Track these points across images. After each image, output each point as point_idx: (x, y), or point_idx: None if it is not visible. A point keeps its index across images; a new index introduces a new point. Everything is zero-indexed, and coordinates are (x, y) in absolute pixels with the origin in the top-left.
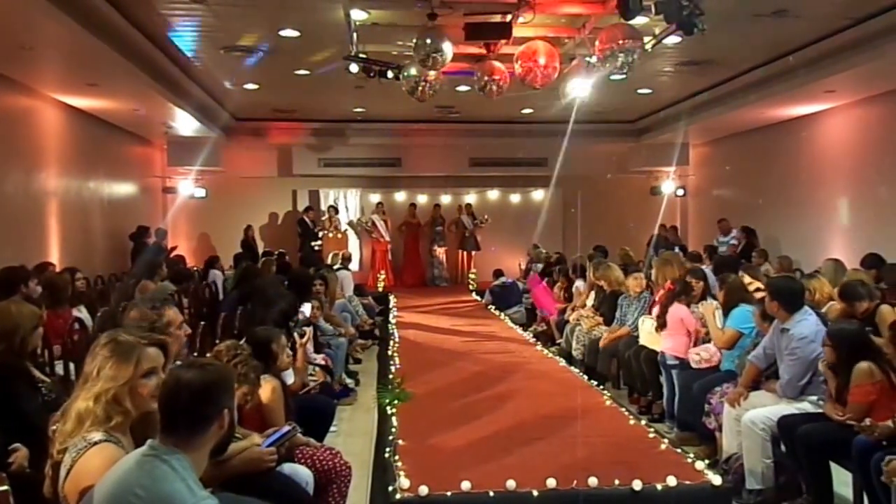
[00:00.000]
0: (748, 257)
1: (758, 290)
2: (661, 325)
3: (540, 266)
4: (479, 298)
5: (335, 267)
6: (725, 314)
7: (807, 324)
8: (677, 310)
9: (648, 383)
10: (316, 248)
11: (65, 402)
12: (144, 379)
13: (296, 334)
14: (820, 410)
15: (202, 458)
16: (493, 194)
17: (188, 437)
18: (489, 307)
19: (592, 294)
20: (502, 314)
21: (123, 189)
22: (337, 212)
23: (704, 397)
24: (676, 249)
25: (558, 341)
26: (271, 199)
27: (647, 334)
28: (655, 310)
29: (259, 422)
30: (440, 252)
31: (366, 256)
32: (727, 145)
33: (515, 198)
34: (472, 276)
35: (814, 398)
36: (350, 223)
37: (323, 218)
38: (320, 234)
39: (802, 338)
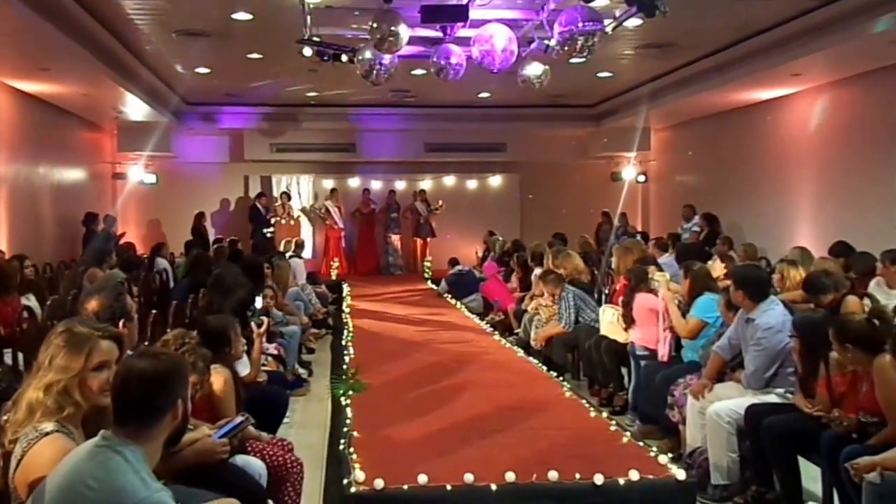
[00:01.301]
0: (711, 244)
1: (723, 278)
2: (629, 321)
3: (493, 256)
4: (434, 287)
5: (288, 254)
6: (689, 303)
7: (773, 314)
8: (643, 300)
9: (610, 374)
10: (268, 235)
11: (14, 391)
12: (95, 372)
13: (253, 324)
14: (787, 402)
15: (156, 450)
16: (450, 180)
17: (141, 428)
18: (445, 296)
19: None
20: (458, 303)
21: (73, 175)
22: (289, 198)
23: (667, 389)
24: (625, 237)
25: (516, 331)
26: (223, 184)
27: (609, 324)
28: (611, 305)
29: (210, 412)
30: (395, 239)
31: (319, 244)
32: (690, 130)
33: (472, 184)
34: (427, 263)
35: (780, 391)
36: (303, 209)
37: (275, 204)
38: (273, 220)
39: (769, 328)
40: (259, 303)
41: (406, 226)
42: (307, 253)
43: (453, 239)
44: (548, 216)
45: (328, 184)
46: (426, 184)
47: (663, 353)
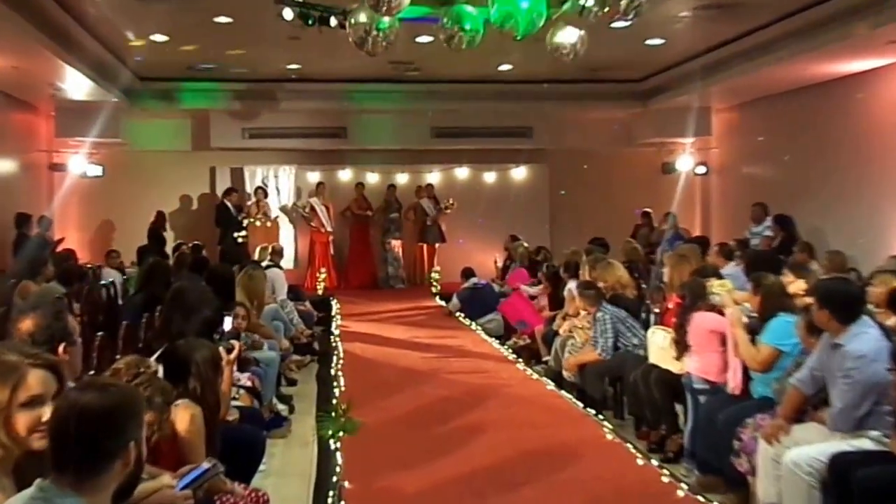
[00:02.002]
0: (787, 253)
1: (803, 294)
2: (683, 347)
3: (517, 266)
4: (443, 304)
5: (264, 263)
6: (761, 325)
7: (866, 338)
8: (702, 320)
9: (661, 413)
10: (240, 239)
11: None
12: (25, 409)
13: (221, 349)
14: (884, 448)
15: (103, 503)
16: (462, 173)
17: (86, 477)
18: (457, 315)
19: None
20: (474, 324)
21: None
22: (266, 194)
23: (733, 431)
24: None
25: (545, 359)
26: (184, 178)
27: (659, 350)
28: (662, 327)
29: (173, 458)
30: (395, 245)
31: (302, 250)
32: (760, 110)
33: (490, 177)
34: (434, 275)
35: (875, 434)
36: (283, 208)
37: (249, 202)
38: (245, 222)
39: (860, 356)
40: (228, 323)
41: (409, 229)
42: (288, 262)
43: (467, 245)
44: (584, 217)
45: (313, 177)
46: (434, 177)
47: (733, 385)
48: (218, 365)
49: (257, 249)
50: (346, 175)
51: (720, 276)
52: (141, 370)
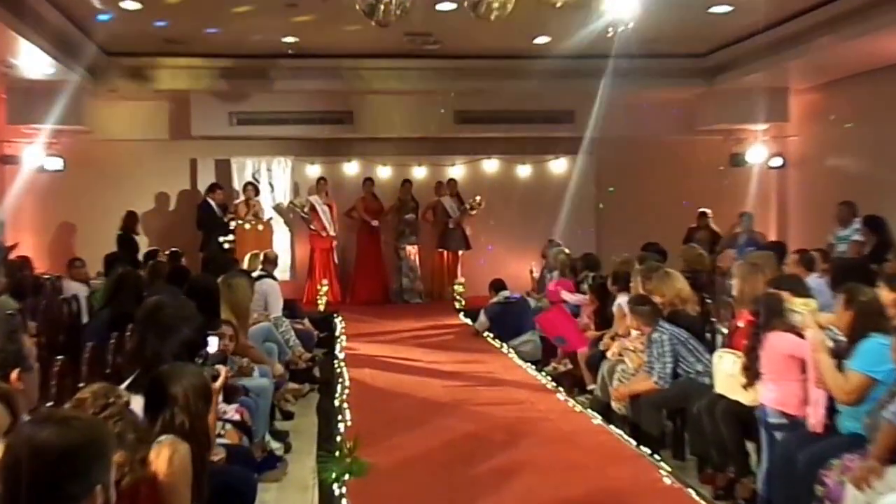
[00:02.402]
0: (880, 261)
1: None
2: (754, 374)
3: (555, 275)
4: (469, 322)
5: (254, 273)
6: (850, 349)
7: None
8: (778, 342)
9: (729, 452)
10: (226, 245)
11: None
12: None
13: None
14: None
15: None
16: (491, 166)
17: None
18: (485, 335)
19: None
20: (505, 346)
21: None
22: (257, 192)
23: (815, 474)
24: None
25: (590, 387)
26: (160, 172)
27: (727, 378)
28: (730, 350)
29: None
30: (411, 252)
31: (300, 258)
32: (848, 91)
33: (524, 171)
34: (458, 288)
35: None
36: (277, 208)
37: (237, 201)
38: (233, 224)
39: None
40: (213, 345)
41: (427, 232)
42: (283, 272)
43: (496, 252)
44: (636, 219)
45: (314, 171)
46: (457, 171)
47: (815, 419)
48: (209, 395)
49: (247, 257)
50: (352, 169)
51: (804, 289)
52: (110, 401)
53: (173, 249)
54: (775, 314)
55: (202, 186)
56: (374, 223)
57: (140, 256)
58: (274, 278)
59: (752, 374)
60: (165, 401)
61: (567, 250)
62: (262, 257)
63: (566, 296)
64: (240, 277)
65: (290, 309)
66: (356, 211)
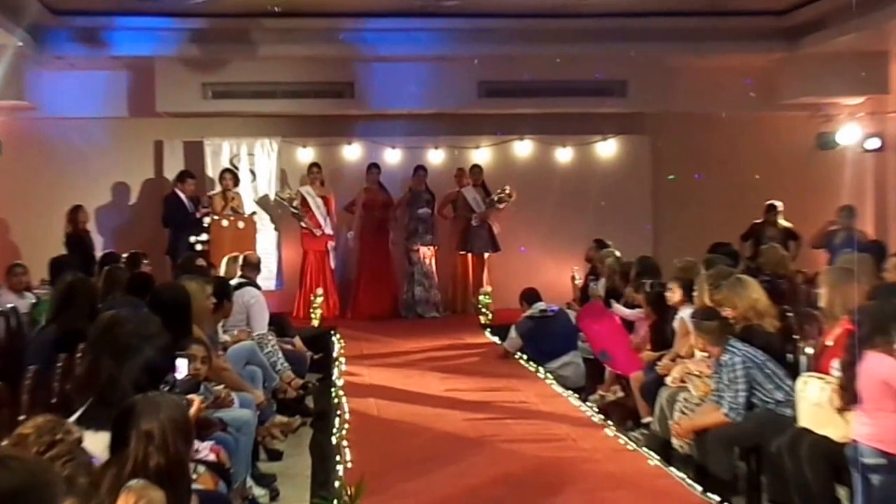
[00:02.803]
0: None
1: None
2: (850, 396)
3: (601, 284)
4: (497, 341)
5: (234, 281)
6: None
7: None
8: (877, 363)
9: (816, 499)
10: (199, 246)
11: None
12: None
13: None
14: None
15: None
16: (524, 149)
17: None
18: (517, 357)
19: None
20: (541, 369)
21: None
22: (237, 181)
23: None
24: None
25: (645, 420)
26: (118, 158)
27: (814, 409)
28: (817, 374)
29: None
30: (426, 255)
31: (290, 262)
32: None
33: (565, 155)
34: (484, 299)
35: None
36: (261, 202)
37: (212, 193)
38: (207, 221)
39: None
40: (182, 369)
41: (446, 231)
42: (268, 279)
43: (531, 255)
44: (702, 213)
45: (306, 156)
46: (482, 155)
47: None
48: (189, 432)
49: (224, 261)
50: (353, 153)
51: None
52: (57, 437)
53: (134, 252)
54: (880, 329)
55: (169, 175)
56: (392, 198)
57: (93, 260)
58: (257, 286)
59: (848, 395)
60: (137, 438)
61: (618, 252)
62: (242, 261)
63: (617, 307)
64: (192, 280)
65: (278, 325)
66: (358, 205)
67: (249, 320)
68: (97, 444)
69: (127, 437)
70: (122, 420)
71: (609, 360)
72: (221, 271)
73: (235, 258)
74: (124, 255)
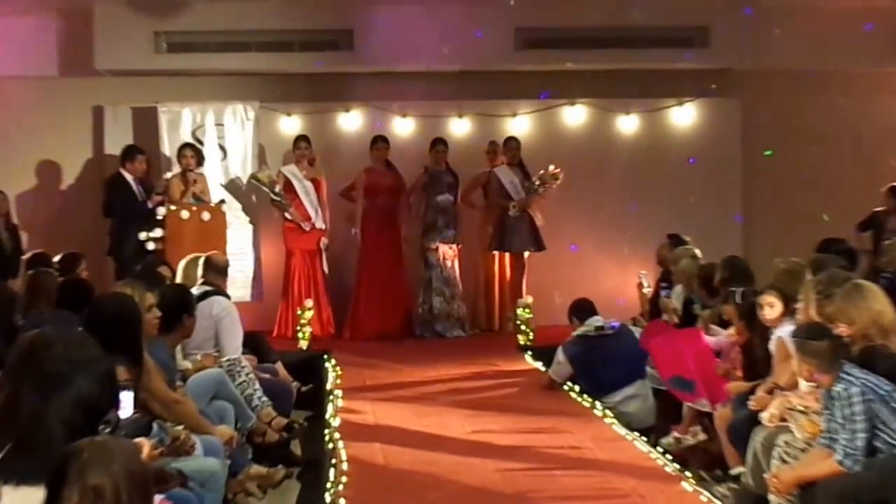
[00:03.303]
0: None
1: None
2: None
3: (677, 293)
4: (540, 366)
5: (195, 289)
6: None
7: None
8: None
9: None
10: (151, 245)
11: None
12: None
13: None
14: None
15: None
16: (575, 116)
17: None
18: (565, 387)
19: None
20: (598, 404)
21: None
22: (201, 159)
23: None
24: None
25: (735, 470)
26: (45, 129)
27: None
28: None
29: None
30: (447, 255)
31: (270, 265)
32: None
33: (628, 124)
34: (523, 312)
35: None
36: (230, 186)
37: (168, 175)
38: (161, 211)
39: None
40: (127, 404)
41: (473, 224)
42: (241, 287)
43: (584, 254)
44: (808, 201)
45: (290, 126)
46: (520, 125)
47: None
48: (147, 486)
49: (182, 263)
50: (352, 122)
51: None
52: None
53: (68, 253)
54: None
55: (113, 151)
56: (404, 183)
57: (14, 262)
58: (226, 295)
59: None
60: (82, 495)
61: (697, 252)
62: (204, 263)
63: (714, 330)
64: (126, 285)
65: (254, 347)
66: (358, 189)
67: (217, 341)
68: (18, 502)
69: (67, 494)
70: (62, 471)
71: (686, 390)
72: (179, 276)
73: (195, 260)
74: (56, 258)
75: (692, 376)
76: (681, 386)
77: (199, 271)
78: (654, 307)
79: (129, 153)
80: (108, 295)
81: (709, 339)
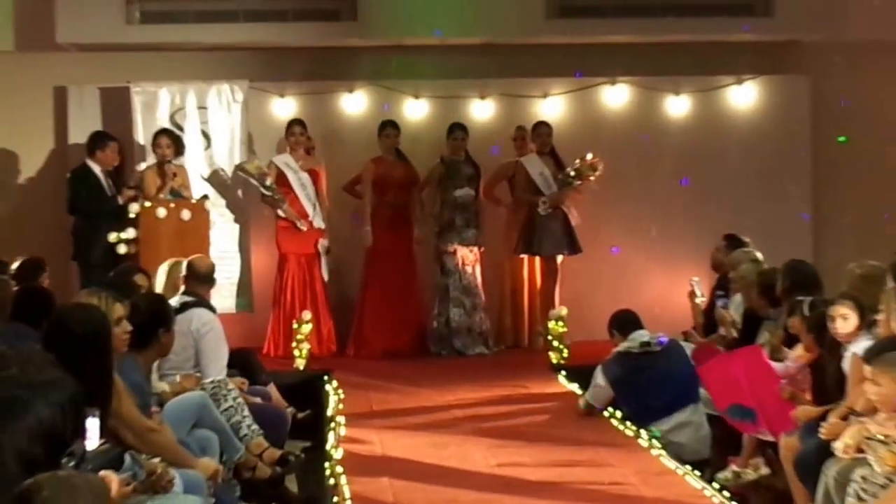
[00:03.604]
0: None
1: None
2: None
3: (736, 303)
4: (576, 389)
5: (175, 300)
6: None
7: None
8: None
9: None
10: (122, 248)
11: None
12: None
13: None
14: None
15: None
16: (616, 97)
17: None
18: (605, 414)
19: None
20: (644, 433)
21: None
22: (181, 148)
23: None
24: None
25: None
26: (0, 113)
27: None
28: None
29: None
30: (467, 259)
31: (262, 271)
32: None
33: (678, 106)
34: (555, 325)
35: None
36: (212, 179)
37: (142, 166)
38: (134, 208)
39: None
40: (93, 433)
41: (498, 223)
42: (227, 296)
43: (627, 258)
44: (888, 196)
45: (284, 109)
46: (552, 108)
47: None
48: None
49: (161, 269)
50: (356, 104)
51: None
52: None
53: (28, 258)
54: None
55: (78, 138)
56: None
57: None
58: (210, 308)
59: None
60: None
61: (758, 255)
62: (184, 270)
63: (779, 363)
64: (92, 294)
65: (243, 367)
66: (364, 183)
67: (199, 359)
68: None
69: None
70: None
71: (747, 419)
72: (158, 285)
73: (177, 265)
74: (13, 264)
75: (752, 403)
76: (740, 415)
77: (179, 277)
78: (708, 320)
79: (97, 141)
80: (71, 306)
81: (776, 367)
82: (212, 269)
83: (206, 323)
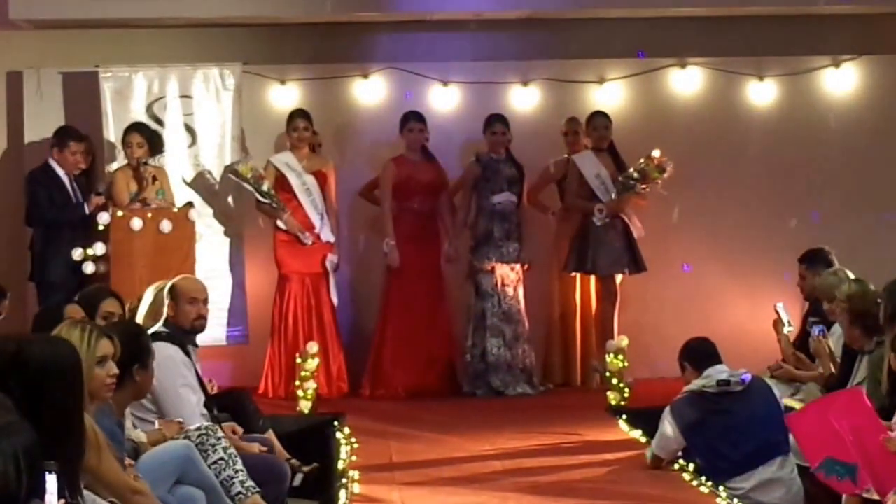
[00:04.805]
0: None
1: None
2: None
3: (837, 334)
4: (639, 437)
5: (152, 329)
6: None
7: None
8: None
9: None
10: (90, 267)
11: None
12: None
13: None
14: None
15: None
16: (686, 82)
17: None
18: (677, 466)
19: None
20: (723, 490)
21: None
22: (160, 145)
23: None
24: None
25: None
26: None
27: None
28: None
29: None
30: (507, 279)
31: (258, 293)
32: None
33: (762, 93)
34: (614, 360)
35: None
36: (195, 183)
37: (114, 167)
38: (104, 218)
39: None
40: (52, 489)
41: (545, 234)
42: (216, 325)
43: (701, 277)
44: None
45: (284, 98)
46: (610, 96)
47: None
48: None
49: (147, 294)
50: (372, 93)
51: None
52: None
53: None
54: None
55: (36, 135)
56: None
57: None
58: (193, 344)
59: None
60: None
61: (850, 274)
62: (168, 294)
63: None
64: (79, 326)
65: (235, 410)
66: (384, 188)
67: (175, 403)
68: None
69: None
70: None
71: (846, 476)
72: (141, 312)
73: (161, 290)
74: None
75: (852, 457)
76: (837, 472)
77: (163, 305)
78: (800, 348)
79: (60, 137)
80: (33, 338)
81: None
82: (206, 292)
83: (162, 360)
